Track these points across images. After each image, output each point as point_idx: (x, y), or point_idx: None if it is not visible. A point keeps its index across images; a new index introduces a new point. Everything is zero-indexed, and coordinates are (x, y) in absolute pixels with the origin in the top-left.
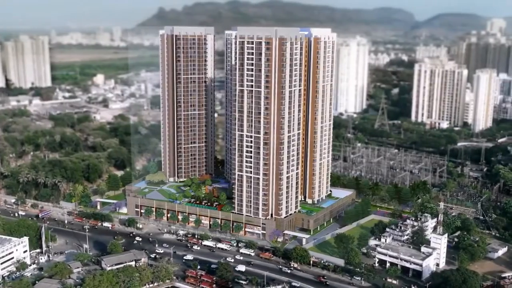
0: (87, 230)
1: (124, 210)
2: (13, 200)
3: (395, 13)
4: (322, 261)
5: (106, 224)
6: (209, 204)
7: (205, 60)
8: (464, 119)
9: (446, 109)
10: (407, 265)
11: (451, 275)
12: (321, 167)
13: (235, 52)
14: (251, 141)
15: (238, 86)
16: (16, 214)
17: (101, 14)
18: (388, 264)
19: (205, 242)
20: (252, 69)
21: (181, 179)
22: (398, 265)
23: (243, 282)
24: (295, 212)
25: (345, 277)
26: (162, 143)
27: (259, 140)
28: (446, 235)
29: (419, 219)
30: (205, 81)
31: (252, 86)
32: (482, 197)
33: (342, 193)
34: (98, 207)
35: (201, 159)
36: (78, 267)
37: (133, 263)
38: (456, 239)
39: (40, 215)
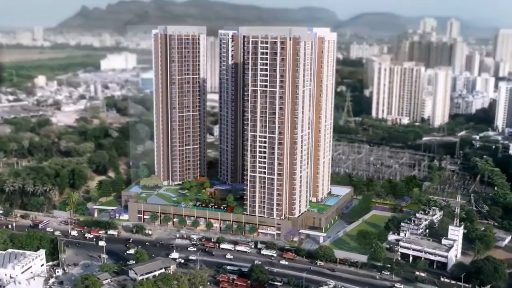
0: (100, 240)
1: (124, 216)
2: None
3: (319, 12)
4: (349, 259)
5: (111, 232)
6: (216, 206)
7: (199, 61)
8: (421, 115)
9: (405, 105)
10: (432, 257)
11: (484, 265)
12: (324, 165)
13: (244, 52)
14: (265, 141)
15: (251, 86)
16: (10, 226)
17: (18, 12)
18: (411, 258)
19: (223, 245)
20: (266, 69)
21: (176, 182)
22: (422, 258)
23: (279, 284)
24: (305, 211)
25: (373, 272)
26: (155, 146)
27: (274, 140)
28: (462, 226)
29: (427, 212)
30: (198, 82)
31: (266, 86)
32: (469, 189)
33: (341, 191)
34: (96, 214)
35: (195, 161)
36: (107, 279)
37: (162, 271)
38: (464, 230)
39: (40, 226)
